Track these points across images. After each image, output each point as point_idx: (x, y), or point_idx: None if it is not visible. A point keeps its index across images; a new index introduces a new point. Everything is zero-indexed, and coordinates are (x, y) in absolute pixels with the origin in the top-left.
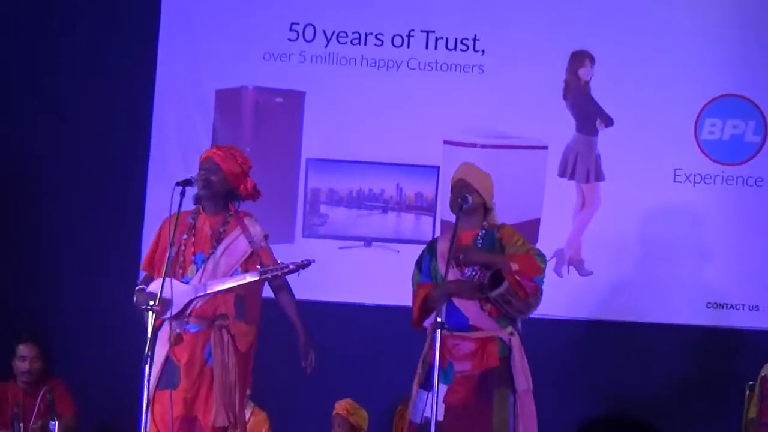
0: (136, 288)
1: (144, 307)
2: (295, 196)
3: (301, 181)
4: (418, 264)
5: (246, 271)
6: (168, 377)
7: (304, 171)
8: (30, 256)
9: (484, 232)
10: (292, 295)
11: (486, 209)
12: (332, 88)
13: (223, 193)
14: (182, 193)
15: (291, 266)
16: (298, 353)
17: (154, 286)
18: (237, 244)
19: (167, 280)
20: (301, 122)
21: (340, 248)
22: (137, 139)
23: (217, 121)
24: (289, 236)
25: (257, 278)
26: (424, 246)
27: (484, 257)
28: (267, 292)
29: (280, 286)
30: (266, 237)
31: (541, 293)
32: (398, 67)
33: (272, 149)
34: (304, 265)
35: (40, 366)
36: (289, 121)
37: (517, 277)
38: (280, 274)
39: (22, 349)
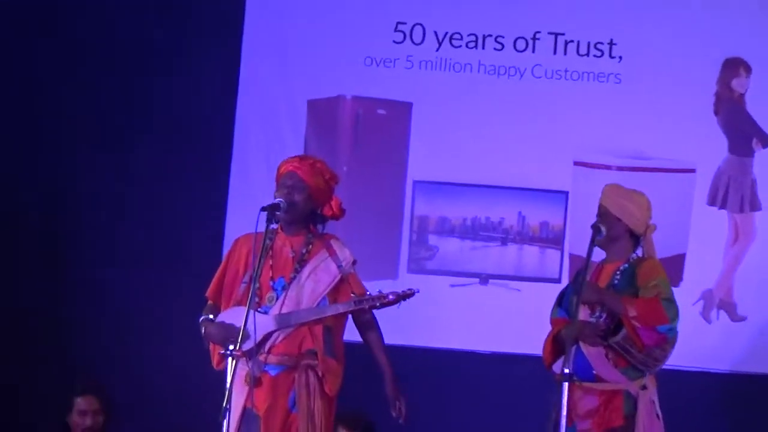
0: (201, 318)
1: (223, 352)
2: (399, 224)
3: (406, 206)
4: (560, 296)
5: (335, 301)
6: (247, 430)
7: (411, 195)
8: (89, 288)
9: (626, 266)
10: (381, 333)
11: (636, 237)
12: (444, 98)
13: (306, 213)
14: (269, 219)
15: (391, 297)
16: (385, 401)
17: (224, 318)
18: (324, 268)
19: (249, 312)
20: (408, 138)
21: (452, 286)
22: (216, 156)
23: (309, 135)
24: (392, 270)
25: (352, 308)
26: (548, 284)
27: (598, 297)
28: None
29: (369, 322)
30: (355, 263)
31: (671, 345)
32: (521, 75)
33: (373, 169)
34: (407, 295)
35: (101, 421)
36: (393, 137)
37: (635, 324)
38: (378, 304)
39: (81, 403)
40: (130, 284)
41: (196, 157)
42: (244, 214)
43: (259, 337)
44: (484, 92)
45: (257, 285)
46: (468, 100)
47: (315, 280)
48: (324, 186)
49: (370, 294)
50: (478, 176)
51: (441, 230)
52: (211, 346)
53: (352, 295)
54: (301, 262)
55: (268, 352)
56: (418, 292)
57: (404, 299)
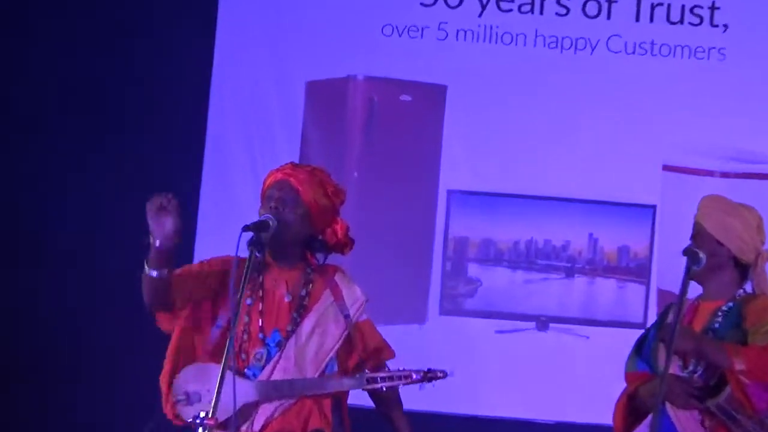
0: (166, 384)
1: (191, 420)
2: (429, 249)
3: (438, 225)
4: (639, 343)
5: (343, 364)
6: None
7: (444, 210)
8: (48, 287)
9: (731, 305)
10: (401, 404)
11: (743, 267)
12: (488, 80)
13: (301, 237)
14: (254, 244)
15: (415, 376)
16: None
17: (188, 378)
18: (331, 319)
19: (227, 373)
20: (440, 133)
21: (499, 332)
22: (186, 158)
23: (308, 131)
24: (420, 311)
25: (364, 387)
26: (627, 330)
27: (694, 344)
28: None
29: (388, 398)
30: (366, 302)
31: None
32: (592, 50)
33: (393, 175)
34: (437, 377)
35: None
36: (420, 132)
37: (744, 381)
38: (397, 385)
39: None
40: (82, 290)
41: (160, 162)
42: (219, 233)
43: (245, 410)
44: (543, 73)
45: (244, 336)
46: (520, 82)
47: (320, 337)
48: (326, 202)
49: (389, 370)
50: (535, 185)
51: (484, 257)
52: (164, 386)
53: (360, 363)
54: (300, 310)
55: (262, 430)
56: (451, 375)
57: (433, 381)
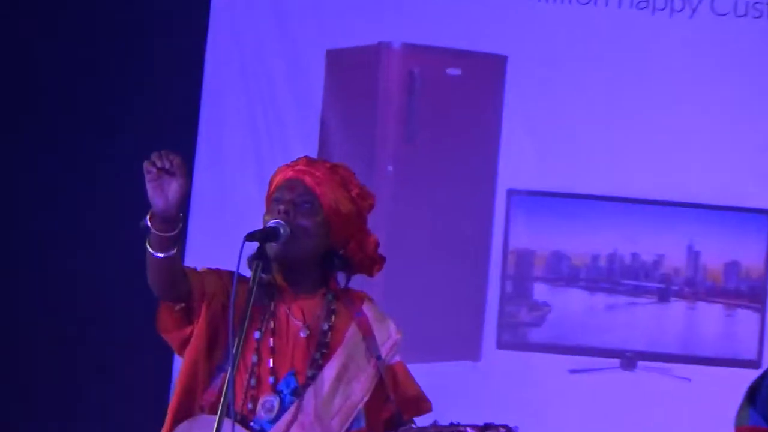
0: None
1: None
2: (483, 266)
3: (496, 235)
4: (753, 391)
5: (373, 418)
6: None
7: (503, 215)
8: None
9: None
10: None
11: None
12: (560, 50)
13: (317, 252)
14: (258, 258)
15: (470, 431)
16: None
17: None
18: (358, 362)
19: (225, 422)
20: (499, 117)
21: (573, 372)
22: (177, 142)
23: (328, 113)
24: (472, 346)
25: None
26: (739, 370)
27: None
28: None
29: None
30: (400, 339)
31: None
32: (692, 12)
33: (438, 171)
34: (495, 429)
35: None
36: (473, 116)
37: None
38: None
39: None
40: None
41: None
42: (212, 244)
43: None
44: (629, 41)
45: (252, 380)
46: (600, 53)
47: (347, 385)
48: (349, 208)
49: (437, 426)
50: (619, 184)
51: (554, 276)
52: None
53: (393, 416)
54: (322, 349)
55: None
56: (516, 429)
57: None
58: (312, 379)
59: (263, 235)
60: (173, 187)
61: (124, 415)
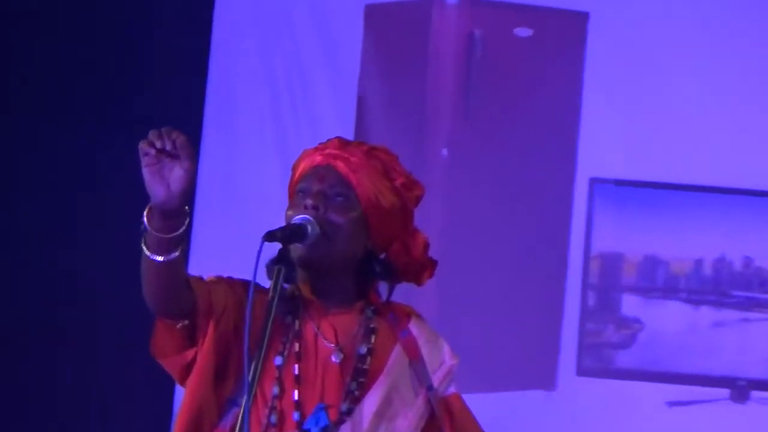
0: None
1: None
2: (560, 273)
3: (575, 234)
4: None
5: None
6: None
7: (584, 210)
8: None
9: None
10: None
11: None
12: (653, 6)
13: (354, 256)
14: (280, 261)
15: None
16: None
17: None
18: (404, 393)
19: None
20: (578, 89)
21: (671, 404)
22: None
23: (367, 82)
24: (546, 372)
25: None
26: None
27: None
28: None
29: None
30: (456, 365)
31: None
32: None
33: (504, 155)
34: None
35: None
36: (547, 86)
37: None
38: None
39: None
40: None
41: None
42: (218, 243)
43: None
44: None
45: (273, 414)
46: (703, 13)
47: (390, 422)
48: (392, 201)
49: None
50: (727, 173)
51: (648, 285)
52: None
53: None
54: (359, 377)
55: None
56: None
57: None
58: (347, 414)
59: (286, 235)
60: (176, 174)
61: None
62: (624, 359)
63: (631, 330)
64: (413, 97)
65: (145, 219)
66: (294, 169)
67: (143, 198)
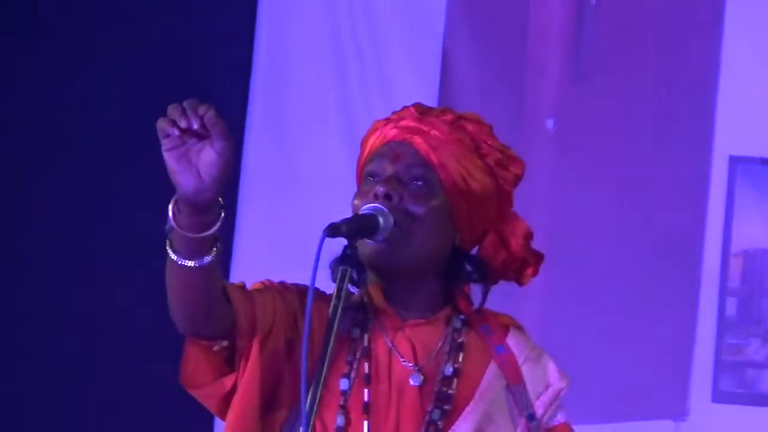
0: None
1: None
2: (693, 274)
3: (712, 225)
4: None
5: None
6: None
7: (723, 194)
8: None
9: None
10: None
11: None
12: None
13: (438, 253)
14: (346, 261)
15: None
16: None
17: None
18: (499, 426)
19: None
20: (717, 45)
21: None
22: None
23: (454, 36)
24: (677, 397)
25: None
26: None
27: None
28: None
29: None
30: (566, 389)
31: None
32: None
33: (624, 128)
34: None
35: None
36: (678, 47)
37: None
38: None
39: None
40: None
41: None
42: (269, 244)
43: None
44: None
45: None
46: None
47: None
48: (486, 183)
49: None
50: None
51: None
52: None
53: None
54: (443, 404)
55: None
56: None
57: None
58: None
59: (353, 228)
60: (207, 157)
61: None
62: None
63: None
64: (511, 54)
65: (170, 215)
66: (363, 145)
67: (168, 188)
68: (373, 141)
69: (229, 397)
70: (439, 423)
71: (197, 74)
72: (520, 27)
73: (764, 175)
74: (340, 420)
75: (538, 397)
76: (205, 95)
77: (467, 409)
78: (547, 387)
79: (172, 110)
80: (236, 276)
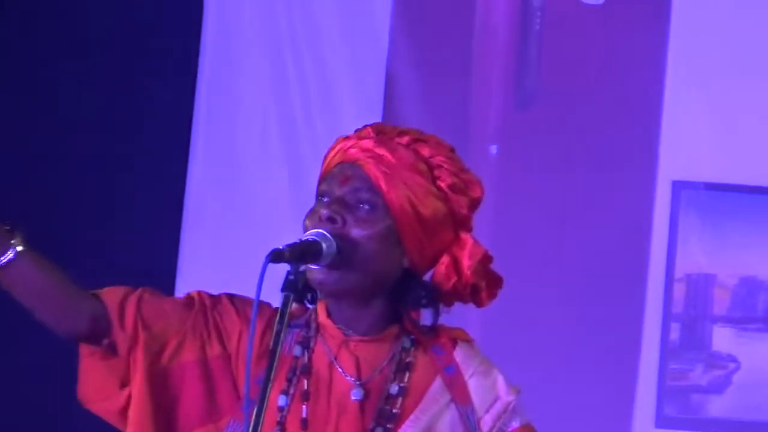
0: None
1: None
2: (639, 297)
3: (656, 249)
4: None
5: None
6: None
7: (666, 219)
8: None
9: None
10: None
11: None
12: None
13: (385, 278)
14: (291, 288)
15: None
16: None
17: None
18: None
19: None
20: (661, 69)
21: None
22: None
23: (398, 58)
24: (619, 422)
25: None
26: None
27: None
28: None
29: None
30: (515, 404)
31: None
32: None
33: (569, 152)
34: None
35: None
36: (622, 67)
37: None
38: None
39: None
40: None
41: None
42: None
43: None
44: None
45: None
46: None
47: None
48: (435, 207)
49: None
50: None
51: (746, 315)
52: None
53: None
54: (385, 422)
55: None
56: None
57: None
58: None
59: (296, 254)
60: None
61: None
62: (715, 407)
63: (724, 370)
64: (455, 80)
65: None
66: (323, 161)
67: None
68: (330, 158)
69: (125, 412)
70: None
71: (143, 88)
72: (464, 53)
73: (708, 200)
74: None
75: (487, 411)
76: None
77: (407, 422)
78: (495, 400)
79: None
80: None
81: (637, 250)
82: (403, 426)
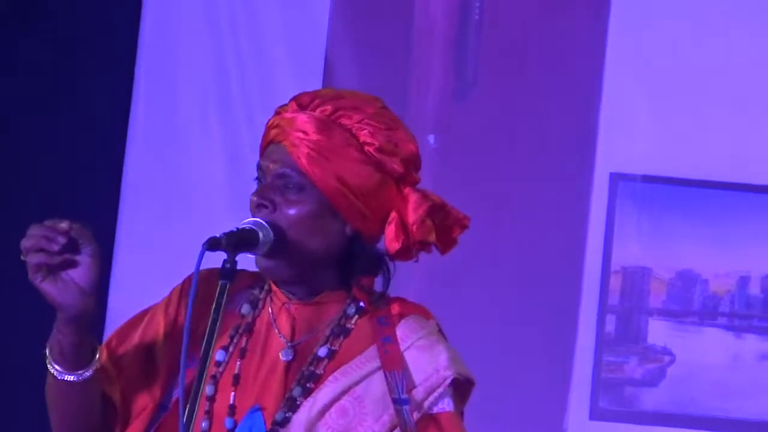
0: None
1: None
2: (575, 289)
3: (592, 243)
4: None
5: None
6: None
7: (603, 212)
8: None
9: None
10: None
11: None
12: None
13: (326, 253)
14: (221, 287)
15: None
16: None
17: None
18: (366, 405)
19: None
20: (600, 62)
21: None
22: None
23: (336, 48)
24: (554, 414)
25: None
26: None
27: None
28: None
29: None
30: (452, 380)
31: None
32: None
33: (506, 142)
34: None
35: None
36: (560, 61)
37: None
38: None
39: None
40: None
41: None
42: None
43: None
44: None
45: (204, 419)
46: None
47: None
48: (364, 173)
49: None
50: None
51: (681, 308)
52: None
53: None
54: (306, 382)
55: None
56: None
57: None
58: (281, 425)
59: (233, 242)
60: (82, 265)
61: None
62: (649, 400)
63: (658, 363)
64: (394, 69)
65: (48, 353)
66: (265, 132)
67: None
68: (264, 137)
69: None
70: (298, 400)
71: (81, 75)
72: (403, 42)
73: (645, 192)
74: (209, 389)
75: (421, 383)
76: (87, 104)
77: (326, 382)
78: (433, 373)
79: (37, 239)
80: (117, 290)
81: (574, 242)
82: (322, 386)
